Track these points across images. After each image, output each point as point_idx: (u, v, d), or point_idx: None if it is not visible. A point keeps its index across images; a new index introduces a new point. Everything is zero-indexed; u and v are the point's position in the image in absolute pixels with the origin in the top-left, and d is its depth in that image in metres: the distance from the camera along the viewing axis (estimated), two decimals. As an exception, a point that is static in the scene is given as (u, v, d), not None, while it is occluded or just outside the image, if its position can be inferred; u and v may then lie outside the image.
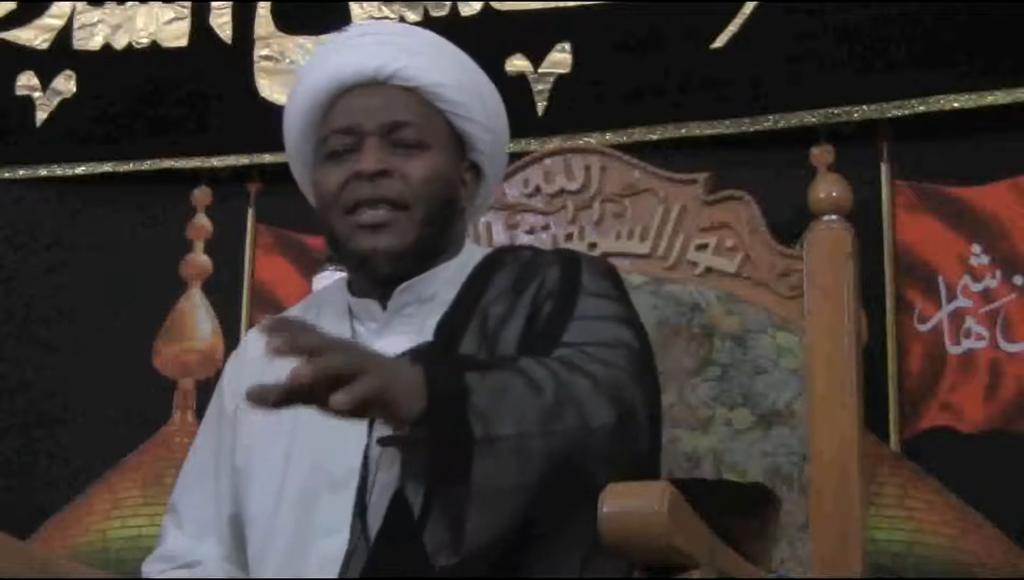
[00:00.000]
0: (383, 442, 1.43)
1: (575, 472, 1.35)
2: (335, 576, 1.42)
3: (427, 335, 1.51)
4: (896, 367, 2.28)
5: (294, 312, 1.72)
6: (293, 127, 1.67)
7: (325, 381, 1.22)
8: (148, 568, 1.64)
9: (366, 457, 1.45)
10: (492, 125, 1.67)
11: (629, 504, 1.17)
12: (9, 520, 2.52)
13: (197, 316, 2.75)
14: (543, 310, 1.53)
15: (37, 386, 2.76)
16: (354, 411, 1.24)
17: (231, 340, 2.70)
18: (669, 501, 1.16)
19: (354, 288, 1.63)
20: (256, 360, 1.63)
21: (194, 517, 1.64)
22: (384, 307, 1.59)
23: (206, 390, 2.68)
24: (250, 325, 2.69)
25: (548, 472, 1.33)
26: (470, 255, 1.65)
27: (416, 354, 1.40)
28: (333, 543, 1.45)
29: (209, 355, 2.72)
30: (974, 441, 2.23)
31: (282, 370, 1.58)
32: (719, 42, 2.42)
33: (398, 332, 1.56)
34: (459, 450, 1.31)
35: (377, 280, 1.58)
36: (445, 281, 1.58)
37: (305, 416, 1.51)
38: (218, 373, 2.66)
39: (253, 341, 1.69)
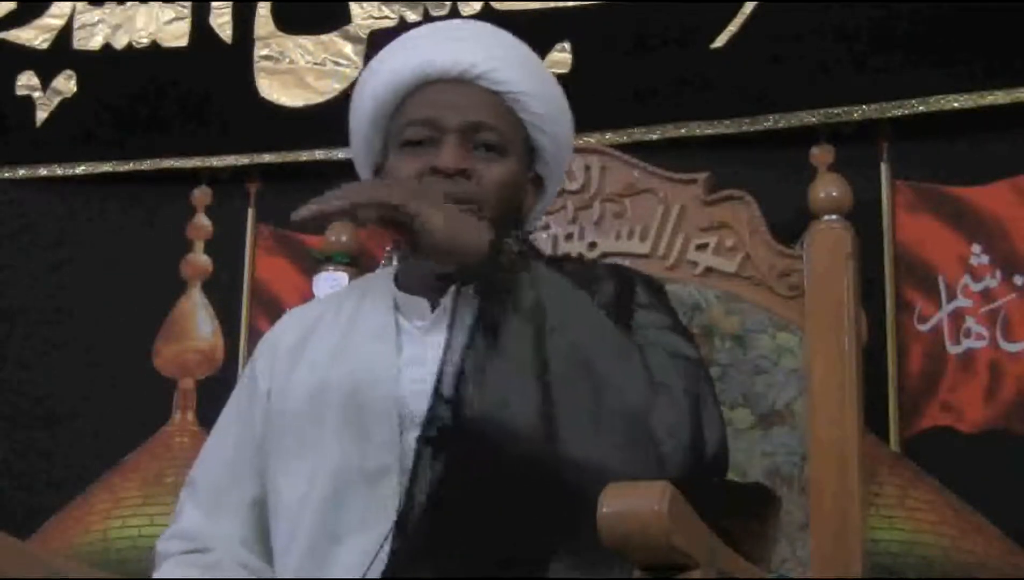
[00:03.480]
0: (425, 441, 1.44)
1: (615, 403, 1.37)
2: (362, 570, 1.41)
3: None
4: (896, 367, 2.28)
5: (334, 299, 1.72)
6: (365, 110, 1.63)
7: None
8: (163, 545, 1.62)
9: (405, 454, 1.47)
10: (564, 142, 1.66)
11: (629, 504, 1.17)
12: (9, 520, 2.53)
13: (197, 316, 2.74)
14: None
15: (37, 386, 2.76)
16: (383, 222, 1.43)
17: (231, 340, 2.70)
18: (669, 501, 1.16)
19: (402, 283, 1.62)
20: (291, 346, 1.63)
21: (212, 495, 1.61)
22: (433, 306, 1.57)
23: (206, 390, 2.68)
24: (250, 325, 2.69)
25: (590, 386, 1.37)
26: None
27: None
28: (363, 540, 1.45)
29: (209, 355, 2.72)
30: (974, 441, 2.23)
31: (323, 345, 1.59)
32: (719, 42, 2.42)
33: (447, 332, 1.53)
34: (496, 314, 1.38)
35: (442, 274, 1.55)
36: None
37: (337, 407, 1.52)
38: (219, 373, 2.69)
39: (288, 324, 1.69)
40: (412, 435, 1.47)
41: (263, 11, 2.78)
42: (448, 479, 1.43)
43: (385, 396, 1.51)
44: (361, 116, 1.64)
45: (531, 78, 1.62)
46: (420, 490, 1.44)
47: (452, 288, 1.54)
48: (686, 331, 1.56)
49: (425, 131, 1.56)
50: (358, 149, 1.67)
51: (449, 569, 1.39)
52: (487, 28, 1.70)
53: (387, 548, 1.42)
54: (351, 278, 2.13)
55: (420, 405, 1.48)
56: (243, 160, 2.73)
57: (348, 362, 1.56)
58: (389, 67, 1.62)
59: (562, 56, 2.53)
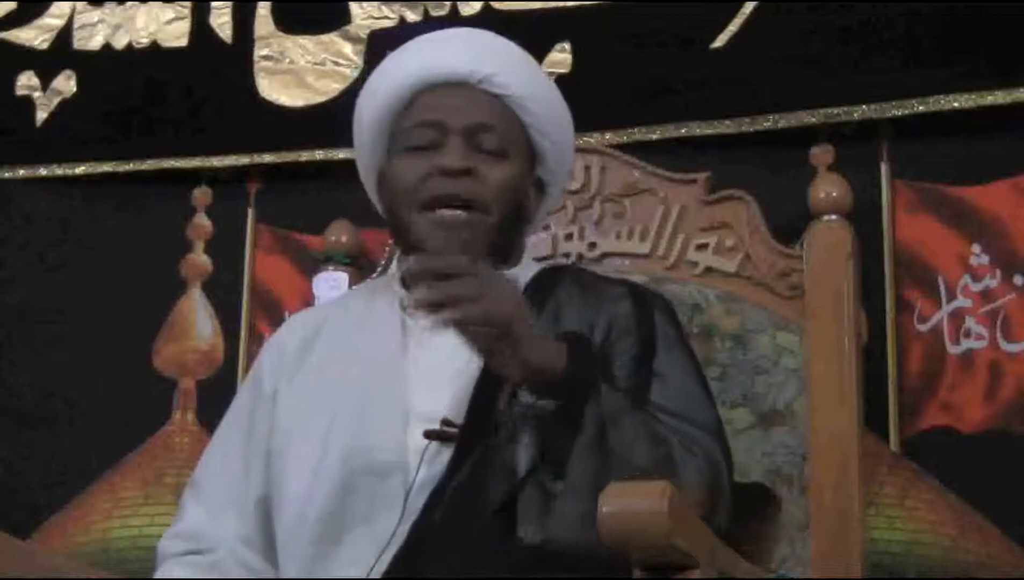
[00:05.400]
0: (428, 435, 1.45)
1: None
2: (365, 566, 1.43)
3: None
4: (896, 367, 2.28)
5: (341, 301, 1.73)
6: (370, 114, 1.65)
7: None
8: (164, 545, 1.63)
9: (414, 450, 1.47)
10: (564, 144, 1.68)
11: (629, 504, 1.17)
12: (9, 520, 2.53)
13: (197, 316, 2.74)
14: (619, 347, 1.54)
15: (37, 386, 2.76)
16: (479, 342, 1.33)
17: (231, 340, 2.70)
18: (669, 501, 1.16)
19: (408, 283, 1.62)
20: (298, 347, 1.64)
21: (216, 494, 1.62)
22: None
23: (206, 390, 2.68)
24: (250, 325, 2.69)
25: None
26: (526, 267, 1.66)
27: (566, 336, 1.43)
28: (366, 533, 1.46)
29: (209, 355, 2.72)
30: (974, 441, 2.23)
31: (330, 345, 1.59)
32: (719, 42, 2.42)
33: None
34: (566, 439, 1.35)
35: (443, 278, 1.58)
36: None
37: (344, 403, 1.53)
38: (218, 373, 2.69)
39: (294, 325, 1.71)
40: (416, 432, 1.48)
41: (263, 11, 2.78)
42: (451, 480, 1.44)
43: (390, 394, 1.52)
44: (366, 120, 1.66)
45: (531, 82, 1.65)
46: (423, 488, 1.45)
47: None
48: (699, 370, 1.60)
49: (430, 134, 1.58)
50: (362, 153, 1.69)
51: (449, 567, 1.40)
52: (488, 34, 1.73)
53: (394, 543, 1.43)
54: (351, 278, 2.13)
55: (425, 404, 1.50)
56: (243, 160, 2.72)
57: (355, 361, 1.58)
58: (394, 72, 1.64)
59: (562, 56, 2.53)
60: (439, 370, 1.53)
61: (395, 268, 1.72)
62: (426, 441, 1.47)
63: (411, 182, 1.57)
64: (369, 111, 1.65)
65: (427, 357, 1.56)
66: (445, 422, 1.49)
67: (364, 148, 1.68)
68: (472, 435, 1.47)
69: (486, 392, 1.48)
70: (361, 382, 1.55)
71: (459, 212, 1.55)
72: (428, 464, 1.46)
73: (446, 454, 1.47)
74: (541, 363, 1.35)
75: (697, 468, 1.42)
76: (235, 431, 1.66)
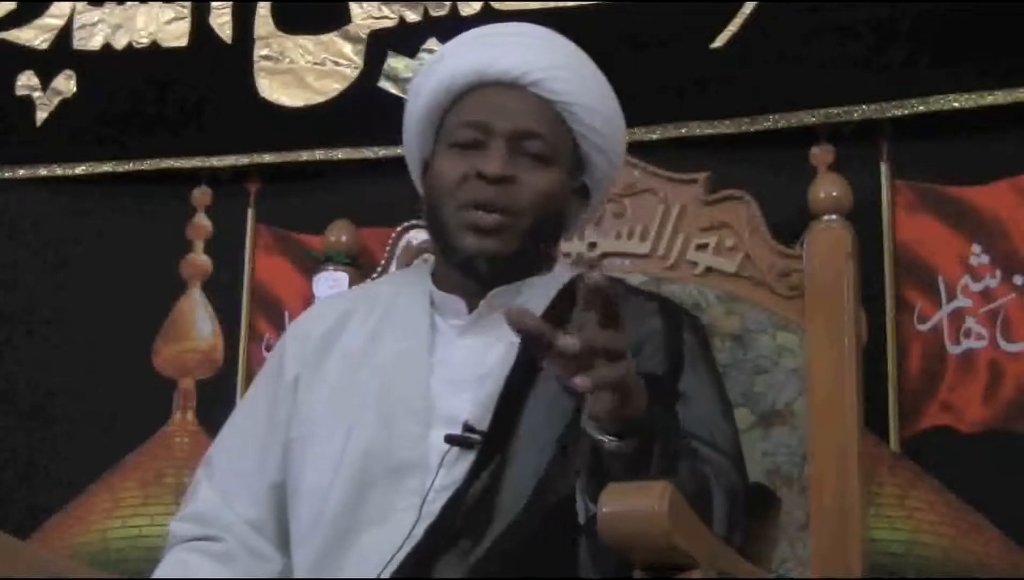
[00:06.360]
0: (450, 440, 1.45)
1: None
2: (379, 564, 1.42)
3: (512, 341, 1.47)
4: (896, 367, 2.28)
5: (368, 291, 1.73)
6: (420, 105, 1.64)
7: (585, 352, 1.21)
8: (176, 527, 1.62)
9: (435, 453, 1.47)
10: (616, 154, 1.67)
11: (629, 504, 1.17)
12: (9, 520, 2.53)
13: (197, 316, 2.74)
14: (646, 365, 1.50)
15: (37, 386, 2.76)
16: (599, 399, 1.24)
17: (231, 340, 2.70)
18: (669, 501, 1.16)
19: (440, 280, 1.62)
20: (322, 335, 1.63)
21: (229, 477, 1.61)
22: (470, 307, 1.58)
23: (206, 390, 2.68)
24: (250, 325, 2.69)
25: None
26: (560, 273, 1.65)
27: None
28: (385, 533, 1.45)
29: (209, 355, 2.72)
30: (974, 441, 2.23)
31: (355, 336, 1.59)
32: (719, 42, 2.42)
33: (482, 334, 1.55)
34: (637, 475, 1.28)
35: (473, 279, 1.57)
36: (536, 294, 1.58)
37: (367, 399, 1.52)
38: (218, 373, 2.69)
39: (319, 313, 1.69)
40: (437, 433, 1.48)
41: (263, 11, 2.78)
42: (470, 486, 1.44)
43: (414, 393, 1.52)
44: (415, 111, 1.65)
45: (587, 91, 1.62)
46: (442, 491, 1.45)
47: (491, 293, 1.56)
48: (723, 388, 1.60)
49: (474, 133, 1.57)
50: (410, 143, 1.68)
51: (463, 569, 1.40)
52: (551, 35, 1.69)
53: (408, 544, 1.42)
54: (351, 278, 2.13)
55: (447, 404, 1.50)
56: (243, 160, 2.73)
57: (380, 356, 1.57)
58: (448, 65, 1.62)
59: (562, 56, 2.53)
60: (465, 372, 1.53)
61: (427, 263, 1.72)
62: (447, 444, 1.47)
63: (450, 181, 1.56)
64: (419, 102, 1.64)
65: (454, 357, 1.56)
66: (467, 427, 1.48)
67: (412, 138, 1.67)
68: (495, 443, 1.46)
69: (511, 401, 1.48)
70: (385, 379, 1.54)
71: (493, 215, 1.54)
72: (448, 467, 1.46)
73: (466, 458, 1.46)
74: (633, 411, 1.28)
75: (719, 503, 1.41)
76: (253, 414, 1.65)
